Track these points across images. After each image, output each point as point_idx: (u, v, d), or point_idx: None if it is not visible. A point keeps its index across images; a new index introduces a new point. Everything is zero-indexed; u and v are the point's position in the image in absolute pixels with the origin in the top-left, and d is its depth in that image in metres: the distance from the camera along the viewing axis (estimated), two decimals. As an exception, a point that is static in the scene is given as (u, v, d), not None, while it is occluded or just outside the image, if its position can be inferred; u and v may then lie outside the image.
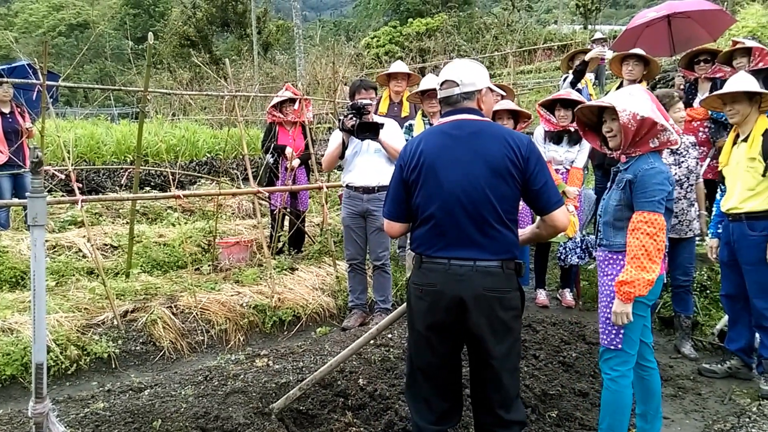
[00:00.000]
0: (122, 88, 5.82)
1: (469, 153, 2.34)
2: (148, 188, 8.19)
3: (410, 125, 5.28)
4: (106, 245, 5.93)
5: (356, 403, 3.19)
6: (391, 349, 3.81)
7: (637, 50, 5.57)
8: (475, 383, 2.47)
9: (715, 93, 3.91)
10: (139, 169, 5.27)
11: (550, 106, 5.00)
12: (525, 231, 2.61)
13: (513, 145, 2.33)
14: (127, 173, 8.17)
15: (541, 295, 5.28)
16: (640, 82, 5.45)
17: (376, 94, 5.14)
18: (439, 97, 2.54)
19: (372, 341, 3.96)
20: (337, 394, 3.28)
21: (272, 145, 5.87)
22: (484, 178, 2.31)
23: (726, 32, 7.55)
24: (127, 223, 5.98)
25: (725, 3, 15.01)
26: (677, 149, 4.14)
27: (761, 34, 8.90)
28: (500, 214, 2.32)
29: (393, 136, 4.55)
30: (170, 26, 29.00)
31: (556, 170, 5.01)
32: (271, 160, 5.91)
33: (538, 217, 2.50)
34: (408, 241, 2.58)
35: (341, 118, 4.40)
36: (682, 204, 4.14)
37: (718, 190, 4.08)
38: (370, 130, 4.26)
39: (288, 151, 5.90)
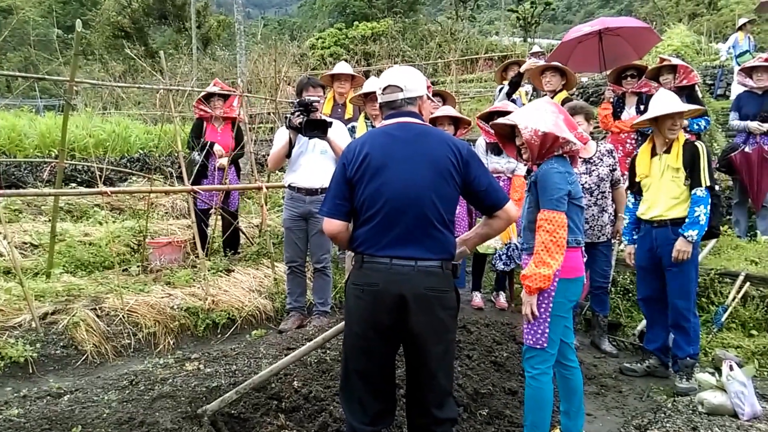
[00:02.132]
0: (47, 77, 5.52)
1: (413, 153, 2.40)
2: (73, 184, 7.79)
3: (353, 127, 5.28)
4: (25, 243, 5.61)
5: (290, 406, 3.15)
6: (328, 351, 3.78)
7: (555, 63, 5.83)
8: (411, 383, 2.49)
9: (645, 117, 4.02)
10: (64, 163, 5.00)
11: (488, 118, 5.12)
12: (469, 234, 2.65)
13: (455, 149, 2.42)
14: (50, 167, 7.74)
15: (477, 298, 5.40)
16: (559, 92, 5.69)
17: (324, 92, 5.10)
18: (381, 100, 2.57)
19: (308, 343, 3.93)
20: (271, 397, 3.22)
21: (200, 142, 5.69)
22: (429, 179, 2.37)
23: (653, 50, 8.01)
24: (50, 220, 5.67)
25: (654, 23, 15.90)
26: (590, 158, 4.37)
27: (684, 53, 9.50)
28: (442, 215, 2.38)
29: (341, 136, 4.52)
30: (103, 15, 27.74)
31: (497, 179, 5.14)
32: (199, 158, 5.70)
33: (483, 218, 2.57)
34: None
35: (288, 115, 4.31)
36: (593, 210, 4.36)
37: (633, 198, 4.25)
38: (318, 128, 4.16)
39: (217, 148, 5.74)
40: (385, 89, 2.54)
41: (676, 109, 3.79)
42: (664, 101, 3.88)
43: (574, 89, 6.58)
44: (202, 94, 5.86)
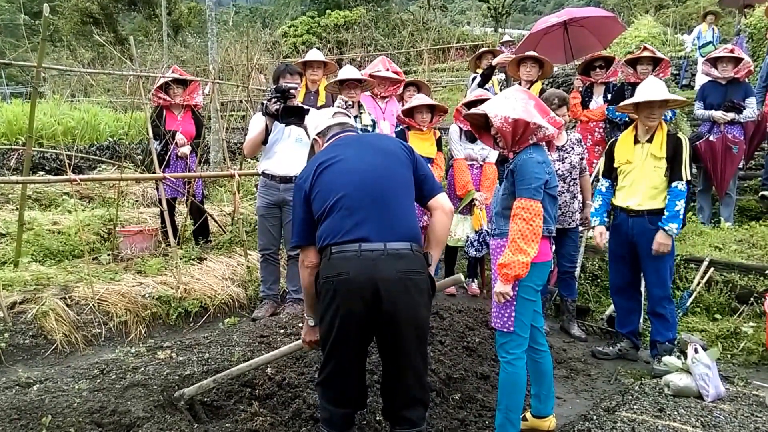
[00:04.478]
0: (13, 62, 5.37)
1: (362, 146, 2.55)
2: (41, 172, 7.60)
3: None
4: (-9, 232, 5.47)
5: (264, 393, 3.16)
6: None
7: (532, 53, 5.89)
8: (389, 367, 2.52)
9: (632, 100, 3.99)
10: (31, 150, 4.89)
11: (472, 106, 5.15)
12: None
13: (401, 143, 2.65)
14: (17, 155, 7.54)
15: (449, 285, 5.46)
16: (536, 82, 5.77)
17: (301, 79, 5.05)
18: (332, 122, 2.74)
19: (282, 330, 3.94)
20: (244, 384, 3.23)
21: (161, 130, 5.57)
22: (383, 163, 2.47)
23: (620, 40, 8.16)
24: (17, 208, 5.54)
25: (621, 14, 16.13)
26: (562, 146, 4.45)
27: (651, 43, 9.67)
28: (402, 196, 2.45)
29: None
30: (71, 1, 26.93)
31: (471, 165, 5.20)
32: (158, 146, 5.59)
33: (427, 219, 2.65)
34: None
35: (264, 102, 4.26)
36: (565, 197, 4.45)
37: (607, 183, 4.24)
38: (295, 115, 4.13)
39: (179, 137, 5.66)
40: (335, 114, 2.78)
41: (659, 96, 3.82)
42: (651, 88, 3.89)
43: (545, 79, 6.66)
44: (161, 81, 5.74)
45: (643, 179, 3.95)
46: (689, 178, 3.79)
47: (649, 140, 3.92)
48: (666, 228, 3.77)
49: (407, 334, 2.38)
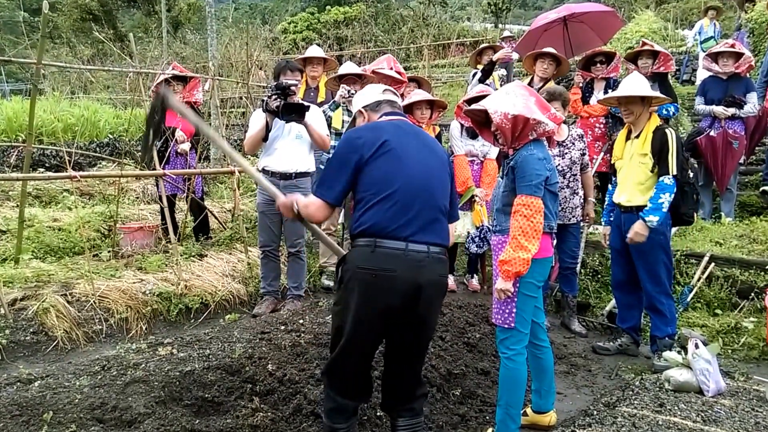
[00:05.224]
0: (13, 59, 5.36)
1: (422, 144, 2.55)
2: (42, 169, 7.60)
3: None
4: (-8, 229, 5.46)
5: (264, 389, 3.17)
6: (302, 335, 3.80)
7: (551, 49, 5.85)
8: (397, 362, 2.56)
9: (612, 95, 4.18)
10: (31, 147, 4.88)
11: (470, 102, 5.14)
12: None
13: (444, 151, 2.72)
14: (17, 152, 7.54)
15: (450, 281, 5.46)
16: (550, 80, 5.74)
17: (302, 76, 5.05)
18: (382, 98, 2.70)
19: (282, 327, 3.94)
20: (245, 381, 3.23)
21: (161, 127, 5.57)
22: (437, 169, 2.52)
23: (620, 35, 8.13)
24: (18, 205, 5.54)
25: (622, 9, 16.09)
26: (563, 141, 4.45)
27: (651, 38, 9.64)
28: (446, 204, 2.52)
29: (318, 121, 4.49)
30: (70, -2, 26.87)
31: (471, 162, 5.19)
32: (158, 143, 5.54)
33: None
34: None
35: (265, 98, 4.25)
36: (565, 192, 4.46)
37: (611, 181, 4.38)
38: (296, 112, 4.13)
39: (179, 134, 5.66)
40: (385, 91, 2.75)
41: (624, 92, 3.88)
42: (625, 84, 3.96)
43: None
44: (161, 78, 5.74)
45: (630, 175, 3.98)
46: (675, 172, 3.75)
47: (638, 136, 3.95)
48: (645, 219, 3.77)
49: (427, 333, 2.51)
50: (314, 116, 4.44)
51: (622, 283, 4.23)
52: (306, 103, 4.28)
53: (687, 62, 10.70)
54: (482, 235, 5.06)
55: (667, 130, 3.85)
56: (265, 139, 4.43)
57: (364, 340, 2.44)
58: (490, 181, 5.16)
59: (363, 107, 2.72)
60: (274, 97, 4.16)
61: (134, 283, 4.59)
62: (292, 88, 4.21)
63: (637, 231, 3.80)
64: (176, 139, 5.62)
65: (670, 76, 6.18)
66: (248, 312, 4.77)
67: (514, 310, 2.83)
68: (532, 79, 5.97)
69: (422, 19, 20.57)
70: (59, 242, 5.37)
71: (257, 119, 4.44)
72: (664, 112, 5.53)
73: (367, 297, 2.34)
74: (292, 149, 4.49)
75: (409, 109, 5.07)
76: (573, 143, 4.47)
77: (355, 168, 2.41)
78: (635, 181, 3.93)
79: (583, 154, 4.52)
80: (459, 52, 17.84)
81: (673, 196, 3.77)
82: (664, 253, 3.95)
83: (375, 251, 2.33)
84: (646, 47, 5.76)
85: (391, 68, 5.60)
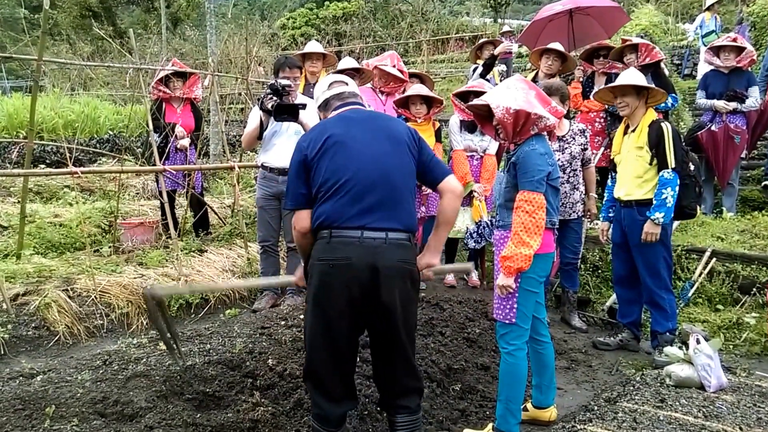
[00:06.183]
0: (14, 56, 5.37)
1: (373, 129, 2.50)
2: (42, 165, 7.61)
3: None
4: (-6, 225, 5.47)
5: (265, 384, 3.17)
6: (302, 330, 3.80)
7: (557, 45, 5.83)
8: (381, 357, 2.51)
9: (606, 86, 4.19)
10: (32, 143, 4.88)
11: (464, 96, 5.14)
12: (430, 242, 2.62)
13: (407, 128, 2.61)
14: (18, 148, 7.54)
15: (449, 276, 5.46)
16: (554, 76, 5.72)
17: (301, 73, 5.05)
18: (328, 95, 2.68)
19: (282, 322, 3.94)
20: (246, 375, 3.23)
21: (161, 122, 5.56)
22: (391, 151, 2.45)
23: (621, 30, 8.09)
24: (19, 201, 5.54)
25: (622, 2, 16.04)
26: (563, 136, 4.43)
27: (652, 32, 9.63)
28: (407, 186, 2.44)
29: (313, 118, 4.48)
30: (70, -6, 26.78)
31: (471, 157, 5.18)
32: (158, 139, 5.57)
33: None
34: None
35: (260, 97, 4.29)
36: (565, 188, 4.45)
37: (610, 176, 4.38)
38: (288, 113, 4.15)
39: (179, 129, 5.65)
40: (331, 85, 2.71)
41: (616, 83, 3.89)
42: (621, 77, 3.96)
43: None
44: (161, 74, 5.74)
45: (628, 169, 3.97)
46: (674, 165, 3.73)
47: (635, 130, 3.95)
48: (652, 217, 3.77)
49: (400, 323, 2.39)
50: (310, 114, 4.45)
51: (622, 279, 4.23)
52: (301, 103, 4.29)
53: (688, 56, 10.66)
54: (481, 231, 5.06)
55: (662, 124, 3.84)
56: (259, 137, 4.50)
57: (331, 334, 2.38)
58: (489, 176, 5.15)
59: (317, 109, 2.76)
60: (268, 97, 4.20)
61: (135, 278, 4.60)
62: (287, 88, 4.23)
63: (648, 231, 3.80)
64: (176, 135, 5.62)
65: (671, 71, 6.17)
66: (248, 307, 4.77)
67: (515, 306, 2.83)
68: (536, 74, 5.95)
69: (421, 14, 20.50)
70: (60, 238, 5.39)
71: (254, 116, 4.50)
72: (662, 105, 5.52)
73: (326, 287, 2.34)
74: (291, 145, 4.44)
75: (404, 104, 5.06)
76: (573, 138, 4.45)
77: (305, 170, 2.45)
78: (633, 175, 3.93)
79: (585, 149, 4.50)
80: (458, 47, 17.79)
81: (676, 189, 3.75)
82: (663, 248, 3.94)
83: (330, 242, 2.34)
84: (626, 43, 5.74)
85: (394, 65, 5.59)
